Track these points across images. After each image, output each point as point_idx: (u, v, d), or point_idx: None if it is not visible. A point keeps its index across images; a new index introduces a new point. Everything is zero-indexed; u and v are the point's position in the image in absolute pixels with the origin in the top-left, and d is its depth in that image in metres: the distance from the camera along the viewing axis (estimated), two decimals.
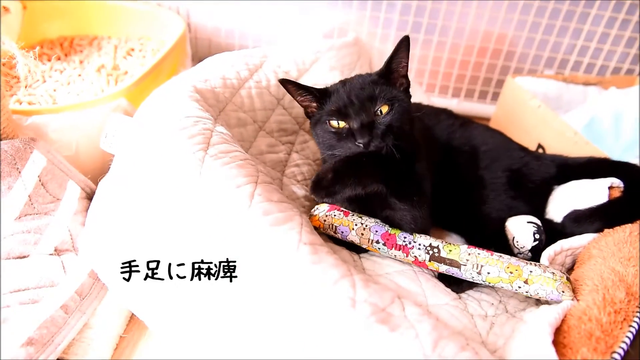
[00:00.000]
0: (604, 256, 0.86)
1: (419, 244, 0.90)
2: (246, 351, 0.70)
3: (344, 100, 0.90)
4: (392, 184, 0.90)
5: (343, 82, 0.96)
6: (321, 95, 0.94)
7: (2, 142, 0.95)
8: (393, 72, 0.94)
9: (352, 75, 1.28)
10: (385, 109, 0.89)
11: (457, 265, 0.87)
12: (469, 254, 0.87)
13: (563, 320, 0.74)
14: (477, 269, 0.85)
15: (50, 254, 0.93)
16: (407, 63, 0.94)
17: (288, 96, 1.18)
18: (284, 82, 0.94)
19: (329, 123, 0.91)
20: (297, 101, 0.98)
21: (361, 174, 0.87)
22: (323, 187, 0.84)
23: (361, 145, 0.87)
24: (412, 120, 0.96)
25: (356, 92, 0.90)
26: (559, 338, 0.71)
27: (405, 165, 0.92)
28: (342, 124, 0.90)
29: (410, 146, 0.94)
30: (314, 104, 0.96)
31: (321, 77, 1.23)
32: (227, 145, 0.85)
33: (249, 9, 1.81)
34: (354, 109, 0.88)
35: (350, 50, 1.32)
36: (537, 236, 0.97)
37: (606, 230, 0.93)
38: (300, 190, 1.07)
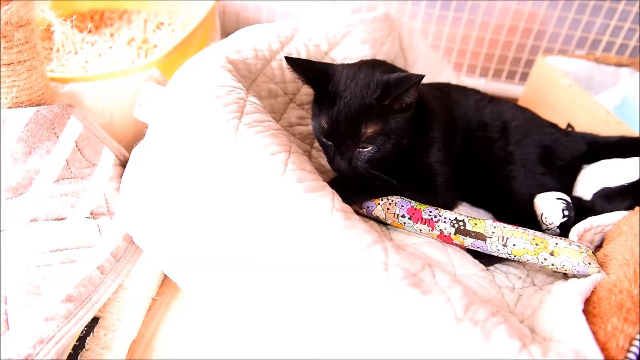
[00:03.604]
0: (635, 233, 0.85)
1: (445, 218, 0.91)
2: (277, 313, 0.72)
3: (332, 124, 0.88)
4: (405, 182, 0.94)
5: (344, 86, 0.88)
6: (318, 92, 0.93)
7: (41, 107, 0.97)
8: (398, 99, 0.88)
9: (384, 49, 1.30)
10: (368, 146, 0.89)
11: (482, 237, 0.87)
12: (495, 227, 0.87)
13: (593, 292, 0.74)
14: (502, 241, 0.86)
15: (87, 217, 0.96)
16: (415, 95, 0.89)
17: None
18: (285, 58, 0.91)
19: (318, 130, 0.92)
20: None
21: (366, 188, 0.93)
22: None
23: (335, 169, 0.91)
24: (407, 130, 0.92)
25: (346, 120, 0.86)
26: (588, 308, 0.71)
27: (412, 160, 0.96)
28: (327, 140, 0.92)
29: (405, 149, 0.93)
30: (309, 87, 0.95)
31: (352, 51, 1.23)
32: (260, 115, 0.86)
33: None
34: (339, 139, 0.89)
35: (381, 24, 1.31)
36: (566, 212, 0.97)
37: (637, 208, 0.93)
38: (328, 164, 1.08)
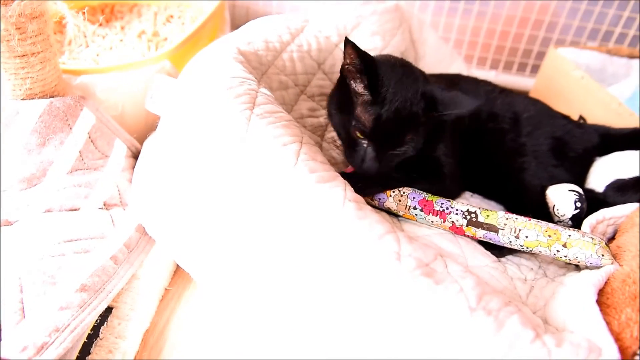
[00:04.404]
0: None
1: (457, 209, 0.90)
2: (289, 301, 0.72)
3: (380, 124, 0.85)
4: (415, 175, 0.95)
5: (396, 85, 0.85)
6: (369, 81, 0.85)
7: (54, 98, 0.98)
8: (444, 115, 0.87)
9: (394, 41, 1.29)
10: (402, 148, 0.88)
11: (494, 229, 0.87)
12: (507, 219, 0.87)
13: (606, 283, 0.74)
14: (515, 233, 0.85)
15: (100, 208, 0.97)
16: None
17: (329, 61, 1.19)
18: (348, 42, 0.83)
19: (353, 129, 0.88)
20: (345, 58, 0.88)
21: (378, 180, 0.93)
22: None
23: (361, 167, 0.88)
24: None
25: (395, 123, 0.85)
26: (601, 299, 0.71)
27: (421, 156, 0.94)
28: (362, 137, 0.88)
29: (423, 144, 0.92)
30: (355, 80, 0.87)
31: (362, 42, 1.23)
32: (271, 106, 0.87)
33: None
34: (381, 141, 0.86)
35: (392, 16, 1.31)
36: (579, 204, 0.96)
37: None
38: (339, 156, 1.08)
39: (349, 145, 0.91)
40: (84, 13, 1.04)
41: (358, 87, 0.87)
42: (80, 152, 0.98)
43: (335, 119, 0.94)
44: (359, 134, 0.88)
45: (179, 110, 0.89)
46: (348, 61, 0.87)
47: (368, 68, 0.85)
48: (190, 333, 0.93)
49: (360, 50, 0.84)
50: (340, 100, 0.92)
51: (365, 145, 0.88)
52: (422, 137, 0.89)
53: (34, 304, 0.77)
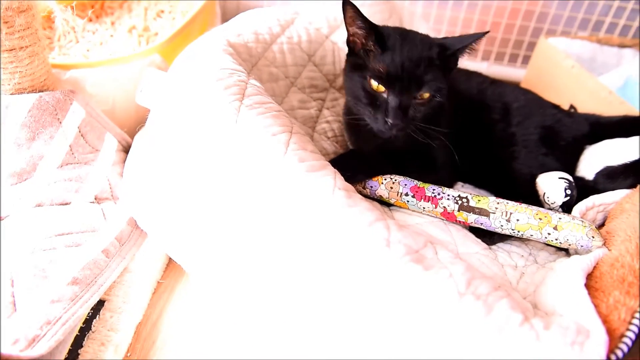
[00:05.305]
0: (636, 210, 0.85)
1: (448, 195, 0.91)
2: (280, 290, 0.73)
3: (395, 66, 0.85)
4: (407, 164, 0.96)
5: (402, 36, 0.88)
6: (375, 37, 0.87)
7: (43, 93, 0.98)
8: (454, 55, 0.90)
9: None
10: (426, 96, 0.88)
11: (486, 213, 0.87)
12: (498, 203, 0.88)
13: (595, 267, 0.75)
14: (506, 216, 0.86)
15: (91, 202, 0.97)
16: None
17: (319, 53, 1.19)
18: (347, 3, 0.85)
19: (369, 80, 0.88)
20: (347, 27, 0.90)
21: (372, 167, 0.95)
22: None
23: (388, 125, 0.86)
24: (443, 106, 0.93)
25: (410, 64, 0.85)
26: (590, 283, 0.72)
27: (420, 144, 0.93)
28: (381, 88, 0.87)
29: (431, 128, 0.92)
30: (362, 41, 0.90)
31: None
32: (261, 97, 0.87)
33: None
34: (400, 83, 0.85)
35: (381, 7, 1.31)
36: (569, 192, 0.97)
37: (639, 186, 0.92)
38: (330, 147, 1.09)
39: (370, 104, 0.90)
40: (72, 7, 1.04)
41: (368, 46, 0.89)
42: (70, 146, 0.98)
43: (350, 83, 0.94)
44: (375, 84, 0.87)
45: (169, 103, 0.89)
46: (351, 29, 0.90)
47: (372, 26, 0.88)
48: (183, 325, 0.94)
49: (360, 11, 0.86)
50: (351, 68, 0.94)
51: (385, 96, 0.87)
52: (442, 81, 0.88)
53: (26, 297, 0.77)
